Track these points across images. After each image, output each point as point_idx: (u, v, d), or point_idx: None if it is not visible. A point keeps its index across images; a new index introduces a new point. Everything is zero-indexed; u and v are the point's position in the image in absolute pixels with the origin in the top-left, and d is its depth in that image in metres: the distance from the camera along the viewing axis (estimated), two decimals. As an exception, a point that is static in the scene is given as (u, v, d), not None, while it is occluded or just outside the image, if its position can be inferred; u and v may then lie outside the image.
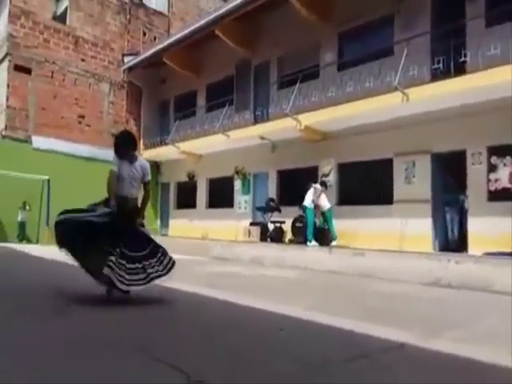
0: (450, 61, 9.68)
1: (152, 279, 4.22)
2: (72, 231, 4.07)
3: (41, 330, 3.10)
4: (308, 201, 10.62)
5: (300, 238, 10.93)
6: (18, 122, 16.26)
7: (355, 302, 4.86)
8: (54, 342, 2.80)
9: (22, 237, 14.47)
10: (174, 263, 4.41)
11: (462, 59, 9.41)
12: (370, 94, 10.35)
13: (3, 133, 15.85)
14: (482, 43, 9.08)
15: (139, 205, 4.55)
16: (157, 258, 4.32)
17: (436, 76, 9.85)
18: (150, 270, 4.21)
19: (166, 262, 4.36)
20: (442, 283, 6.49)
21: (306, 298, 5.04)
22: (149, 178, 4.49)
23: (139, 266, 4.15)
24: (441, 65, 9.81)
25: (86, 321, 3.43)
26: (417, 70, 10.14)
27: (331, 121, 11.29)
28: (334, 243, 10.46)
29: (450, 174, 9.92)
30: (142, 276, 4.16)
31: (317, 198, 10.68)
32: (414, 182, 10.36)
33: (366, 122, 10.79)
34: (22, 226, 14.47)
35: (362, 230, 10.69)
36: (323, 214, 10.72)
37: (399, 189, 10.65)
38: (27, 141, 15.78)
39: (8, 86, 16.40)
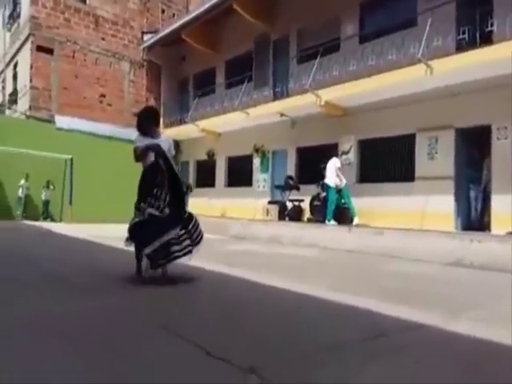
0: (475, 31, 9.28)
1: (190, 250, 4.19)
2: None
3: (70, 307, 3.18)
4: (330, 178, 10.37)
5: (318, 216, 10.80)
6: (42, 102, 16.55)
7: (374, 282, 4.80)
8: (85, 319, 2.89)
9: (47, 215, 14.85)
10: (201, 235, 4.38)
11: (489, 29, 8.99)
12: (393, 67, 10.05)
13: (27, 113, 16.18)
14: (509, 11, 8.63)
15: None
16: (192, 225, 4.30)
17: (461, 47, 9.47)
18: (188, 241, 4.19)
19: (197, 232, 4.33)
20: (463, 263, 6.31)
21: (324, 277, 5.00)
22: (173, 152, 4.45)
23: (184, 232, 4.17)
24: (466, 35, 9.41)
25: (116, 299, 3.51)
26: (441, 41, 9.77)
27: (352, 96, 11.03)
28: (354, 221, 10.27)
29: (474, 149, 9.59)
30: (188, 242, 4.17)
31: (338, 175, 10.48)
32: (437, 158, 10.08)
33: (388, 97, 10.50)
34: (46, 204, 14.83)
35: (383, 208, 10.50)
36: (340, 191, 10.48)
37: (421, 165, 10.40)
38: (50, 120, 16.06)
39: (31, 66, 16.65)
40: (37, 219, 14.40)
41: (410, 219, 9.74)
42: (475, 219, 9.59)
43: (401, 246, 7.36)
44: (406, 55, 10.15)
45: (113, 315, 2.99)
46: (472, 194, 9.30)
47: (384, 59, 10.74)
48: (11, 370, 1.97)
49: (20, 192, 14.43)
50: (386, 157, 11.27)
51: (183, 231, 4.16)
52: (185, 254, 4.12)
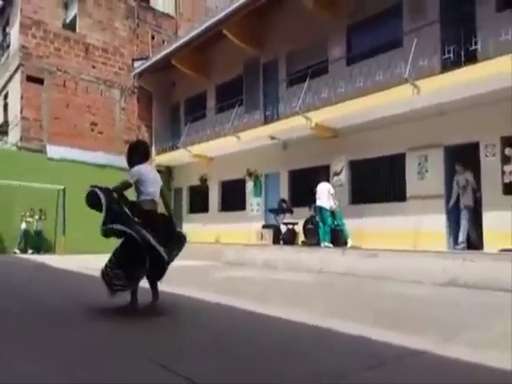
0: (460, 49, 9.42)
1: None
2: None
3: (61, 339, 3.16)
4: (324, 201, 10.34)
5: (312, 239, 10.76)
6: (33, 133, 16.52)
7: (369, 306, 4.78)
8: (72, 350, 2.87)
9: (39, 246, 14.68)
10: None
11: (473, 47, 9.14)
12: (381, 88, 10.16)
13: (18, 144, 16.12)
14: (492, 29, 8.79)
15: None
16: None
17: (446, 66, 9.59)
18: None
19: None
20: (458, 283, 6.33)
21: (319, 302, 4.98)
22: (161, 182, 4.55)
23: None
24: (451, 54, 9.56)
25: (104, 330, 3.48)
26: (427, 61, 9.95)
27: (342, 117, 11.12)
28: (348, 244, 10.28)
29: (463, 167, 9.63)
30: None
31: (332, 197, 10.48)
32: (427, 177, 10.14)
33: (377, 117, 10.59)
34: (38, 235, 14.69)
35: (376, 229, 10.50)
36: (333, 213, 10.47)
37: (412, 185, 10.44)
38: (42, 151, 16.01)
39: (22, 97, 16.66)
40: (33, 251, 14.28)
41: (403, 239, 9.73)
42: (467, 237, 9.53)
43: (394, 268, 7.39)
44: (393, 75, 10.30)
45: (99, 345, 2.96)
46: (463, 211, 9.30)
47: (372, 80, 10.89)
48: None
49: (23, 225, 14.36)
50: (378, 177, 11.31)
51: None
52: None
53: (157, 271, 4.13)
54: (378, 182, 11.25)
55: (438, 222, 9.73)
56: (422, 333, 3.37)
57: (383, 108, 10.17)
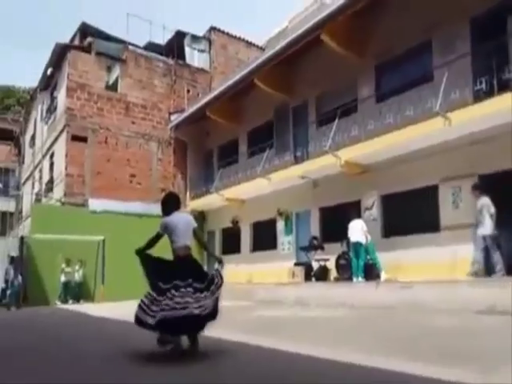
0: (492, 79, 9.28)
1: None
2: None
3: None
4: (358, 236, 10.26)
5: (345, 274, 10.65)
6: (76, 188, 17.35)
7: (407, 340, 4.65)
8: None
9: (80, 296, 14.98)
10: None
11: (506, 76, 8.86)
12: (410, 123, 10.06)
13: (62, 200, 16.92)
14: None
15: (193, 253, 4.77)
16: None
17: (479, 97, 9.37)
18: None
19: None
20: (497, 310, 6.11)
21: (356, 339, 4.91)
22: (195, 225, 4.81)
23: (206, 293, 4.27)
24: (483, 85, 9.43)
25: (147, 376, 3.50)
26: (458, 93, 9.83)
27: (372, 153, 11.08)
28: (382, 277, 10.09)
29: (498, 194, 9.16)
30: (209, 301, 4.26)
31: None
32: (462, 206, 9.85)
33: (408, 151, 10.48)
34: (79, 286, 15.05)
35: (410, 261, 10.16)
36: (365, 247, 10.35)
37: (446, 215, 10.15)
38: (84, 204, 16.71)
39: (66, 155, 17.64)
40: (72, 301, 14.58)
41: (439, 270, 9.32)
42: (506, 264, 8.81)
43: (431, 299, 7.22)
44: (424, 110, 10.17)
45: None
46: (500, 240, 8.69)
47: (401, 115, 10.84)
48: None
49: (63, 277, 14.78)
50: (410, 209, 11.05)
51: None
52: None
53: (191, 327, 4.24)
54: (411, 215, 10.97)
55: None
56: (466, 365, 3.22)
57: (413, 141, 10.05)
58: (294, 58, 14.13)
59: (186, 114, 19.03)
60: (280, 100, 15.29)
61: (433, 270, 9.39)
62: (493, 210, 8.43)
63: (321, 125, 13.92)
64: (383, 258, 10.53)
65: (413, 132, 9.82)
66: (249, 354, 4.34)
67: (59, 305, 14.22)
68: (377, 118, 11.61)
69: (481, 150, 9.35)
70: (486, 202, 8.55)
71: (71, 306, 13.50)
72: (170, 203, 4.86)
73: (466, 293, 6.87)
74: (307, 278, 11.96)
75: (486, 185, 9.44)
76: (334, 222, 12.59)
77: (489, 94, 9.11)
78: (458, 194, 9.96)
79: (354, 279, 10.01)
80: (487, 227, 8.38)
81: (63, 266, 14.77)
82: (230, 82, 16.13)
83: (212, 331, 4.34)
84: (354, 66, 12.63)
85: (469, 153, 9.58)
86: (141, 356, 4.34)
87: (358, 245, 10.25)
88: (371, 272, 10.20)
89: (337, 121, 12.40)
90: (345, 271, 10.69)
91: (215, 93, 17.08)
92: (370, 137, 11.06)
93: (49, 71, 20.25)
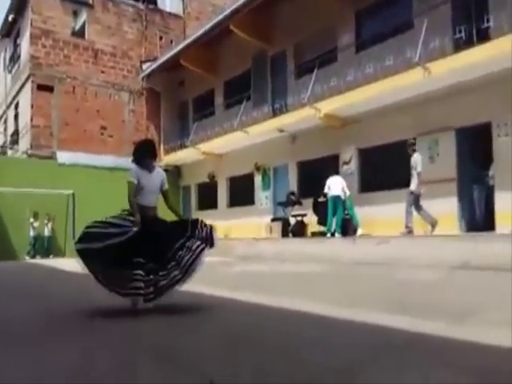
0: (472, 28, 8.98)
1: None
2: (94, 258, 3.99)
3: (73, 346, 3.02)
4: (337, 191, 10.12)
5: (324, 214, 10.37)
6: (43, 140, 16.60)
7: (383, 293, 4.71)
8: (90, 350, 2.84)
9: (49, 251, 14.69)
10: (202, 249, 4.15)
11: (485, 25, 8.62)
12: (390, 73, 9.86)
13: (29, 152, 16.19)
14: (506, 5, 8.37)
15: (158, 213, 4.47)
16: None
17: (458, 46, 9.11)
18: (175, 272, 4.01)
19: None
20: (471, 265, 6.20)
21: (332, 293, 4.92)
22: (166, 186, 4.49)
23: (173, 264, 4.01)
24: (463, 34, 9.12)
25: (116, 332, 3.39)
26: (438, 42, 9.47)
27: (351, 105, 10.88)
28: (358, 232, 10.14)
29: (475, 149, 9.23)
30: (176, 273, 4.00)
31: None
32: (438, 160, 9.80)
33: (387, 103, 10.28)
34: (48, 240, 14.73)
35: (386, 217, 10.13)
36: (343, 202, 10.27)
37: (423, 169, 9.88)
38: (52, 157, 16.03)
39: (32, 105, 16.75)
40: (41, 256, 14.29)
41: (416, 225, 9.18)
42: (479, 219, 9.28)
43: (407, 254, 7.26)
44: (404, 59, 9.96)
45: (116, 346, 2.92)
46: (475, 193, 9.05)
47: (381, 66, 10.55)
48: None
49: (31, 231, 14.36)
50: (387, 164, 10.94)
51: (172, 264, 4.01)
52: (173, 285, 4.00)
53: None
54: (388, 170, 10.88)
55: (449, 205, 9.38)
56: (434, 317, 3.28)
57: (392, 94, 9.84)
58: (272, 4, 13.52)
59: (158, 63, 18.16)
60: (258, 48, 14.69)
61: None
62: (419, 168, 8.59)
63: (300, 75, 13.48)
64: (360, 213, 10.53)
65: (392, 83, 9.62)
66: (226, 308, 4.29)
67: (28, 259, 13.90)
68: (356, 68, 11.24)
69: (459, 103, 9.21)
70: (415, 159, 8.71)
71: (40, 261, 13.21)
72: (144, 151, 4.33)
73: (441, 248, 6.91)
74: (284, 233, 11.93)
75: (463, 138, 9.45)
76: (312, 176, 12.46)
77: (468, 43, 8.89)
78: (435, 148, 9.89)
79: (328, 234, 9.97)
80: (412, 184, 8.65)
81: (31, 220, 14.33)
82: (204, 29, 15.32)
83: (191, 286, 4.22)
84: (334, 13, 12.12)
85: (447, 105, 9.44)
86: (108, 310, 4.18)
87: (337, 199, 10.12)
88: (348, 227, 10.18)
89: (316, 71, 12.07)
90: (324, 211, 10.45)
91: (189, 40, 16.24)
92: (350, 88, 10.79)
93: (10, 17, 18.95)
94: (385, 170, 11.01)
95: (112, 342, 3.04)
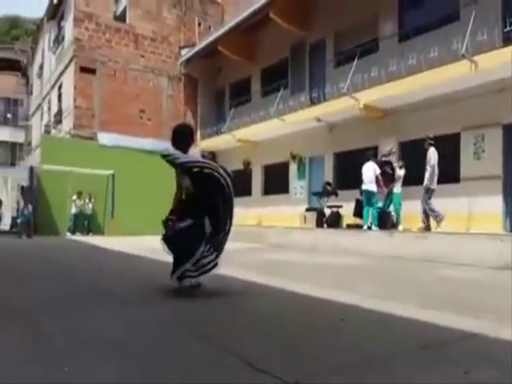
0: None
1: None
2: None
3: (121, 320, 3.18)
4: (368, 183, 9.75)
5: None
6: (85, 121, 17.11)
7: (420, 289, 4.58)
8: (130, 330, 2.90)
9: (89, 229, 15.22)
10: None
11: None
12: (435, 65, 9.59)
13: (72, 131, 16.74)
14: None
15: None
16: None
17: (508, 40, 8.81)
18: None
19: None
20: None
21: (366, 285, 4.81)
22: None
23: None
24: None
25: (156, 311, 3.49)
26: (486, 35, 9.16)
27: (392, 97, 10.66)
28: (400, 227, 9.90)
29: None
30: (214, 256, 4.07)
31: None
32: (484, 157, 9.53)
33: (430, 96, 10.05)
34: (88, 218, 15.25)
35: None
36: (390, 195, 10.13)
37: (467, 165, 9.85)
38: (93, 138, 16.54)
39: (75, 87, 17.24)
40: (81, 233, 14.84)
41: (456, 222, 9.19)
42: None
43: (446, 251, 7.03)
44: (449, 51, 9.69)
45: (154, 327, 2.99)
46: None
47: (425, 57, 10.28)
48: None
49: (73, 209, 14.96)
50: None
51: (209, 245, 4.06)
52: (213, 267, 4.05)
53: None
54: None
55: (494, 203, 9.13)
56: (476, 317, 3.17)
57: (437, 86, 9.62)
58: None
59: (196, 49, 18.31)
60: (297, 36, 14.59)
61: (449, 221, 9.15)
62: (433, 161, 8.56)
63: (339, 65, 13.36)
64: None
65: (436, 76, 9.38)
66: (259, 293, 4.32)
67: (69, 236, 14.47)
68: (399, 58, 11.07)
69: (506, 98, 8.85)
70: (429, 154, 8.67)
71: (80, 238, 13.71)
72: (184, 135, 4.29)
73: (482, 247, 6.68)
74: (319, 224, 11.78)
75: (510, 136, 9.17)
76: (349, 168, 12.29)
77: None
78: (481, 143, 9.62)
79: (365, 227, 9.80)
80: (425, 178, 8.64)
81: (74, 197, 14.87)
82: (243, 15, 15.29)
83: (226, 270, 4.30)
84: (377, 1, 11.93)
85: (494, 100, 9.14)
86: (148, 288, 4.33)
87: (367, 193, 9.85)
88: (386, 221, 9.93)
89: (356, 61, 11.87)
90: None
91: (227, 26, 16.28)
92: (392, 79, 10.61)
93: (55, 0, 19.35)
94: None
95: (153, 319, 3.16)
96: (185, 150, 4.26)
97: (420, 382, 1.94)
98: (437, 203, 8.86)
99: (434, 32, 10.48)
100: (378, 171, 9.81)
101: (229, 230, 4.23)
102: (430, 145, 8.77)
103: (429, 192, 8.66)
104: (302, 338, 2.69)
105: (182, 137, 4.28)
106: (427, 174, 8.65)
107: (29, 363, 2.18)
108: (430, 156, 8.66)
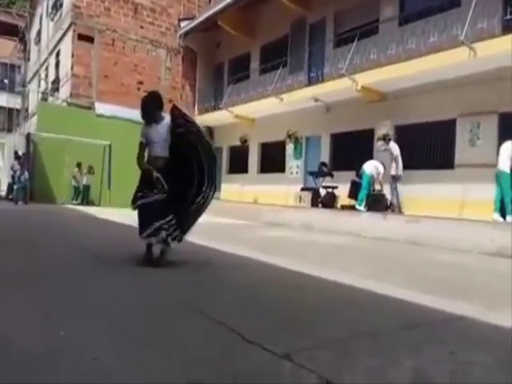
0: None
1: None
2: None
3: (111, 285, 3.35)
4: (373, 170, 10.41)
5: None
6: (82, 90, 16.99)
7: (410, 271, 4.68)
8: (117, 296, 3.04)
9: (87, 200, 15.37)
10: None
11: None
12: (434, 50, 9.69)
13: (69, 100, 16.66)
14: None
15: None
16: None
17: (508, 28, 8.91)
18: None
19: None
20: (505, 253, 5.99)
21: (358, 265, 4.91)
22: (169, 138, 4.42)
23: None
24: None
25: (151, 281, 3.60)
26: (486, 23, 9.25)
27: (390, 80, 10.71)
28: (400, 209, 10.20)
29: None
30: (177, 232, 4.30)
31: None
32: (479, 144, 9.68)
33: (428, 81, 10.14)
34: (86, 189, 15.38)
35: (420, 197, 10.17)
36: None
37: (462, 152, 10.02)
38: (90, 107, 16.49)
39: (72, 54, 17.06)
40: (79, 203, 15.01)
41: (450, 207, 9.43)
42: None
43: (437, 235, 7.14)
44: (449, 37, 9.76)
45: (146, 299, 3.05)
46: None
47: (425, 42, 10.38)
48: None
49: (73, 181, 15.08)
50: (425, 143, 10.91)
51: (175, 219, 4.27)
52: (172, 240, 4.25)
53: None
54: (425, 149, 10.86)
55: (488, 191, 9.12)
56: (465, 300, 3.29)
57: (435, 72, 9.69)
58: (314, -31, 13.26)
59: (196, 22, 18.08)
60: (297, 14, 14.51)
61: (442, 207, 9.42)
62: (395, 153, 10.02)
63: (338, 45, 13.36)
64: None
65: (435, 61, 9.45)
66: (250, 267, 4.44)
67: (74, 203, 14.65)
68: (398, 42, 11.14)
69: (504, 87, 8.96)
70: (390, 148, 10.18)
71: (76, 207, 13.87)
72: (149, 105, 4.38)
73: (474, 233, 6.81)
74: (314, 203, 11.95)
75: (506, 123, 9.27)
76: (345, 149, 12.46)
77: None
78: (476, 131, 9.76)
79: (362, 207, 10.17)
80: (392, 169, 10.00)
81: (75, 170, 15.00)
82: (244, -10, 15.17)
83: (216, 244, 4.51)
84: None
85: (491, 88, 9.24)
86: (133, 257, 4.45)
87: (370, 177, 10.42)
88: (380, 203, 10.19)
89: (355, 42, 11.88)
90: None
91: (228, 0, 16.10)
92: (391, 62, 10.69)
93: (53, -35, 18.96)
94: (421, 148, 10.95)
95: (150, 294, 3.21)
96: (155, 119, 4.37)
97: (405, 361, 2.00)
98: (431, 188, 9.20)
99: (435, 17, 10.49)
100: (381, 169, 10.39)
101: (203, 204, 4.45)
102: (389, 140, 10.19)
103: (395, 179, 9.85)
104: (293, 312, 2.80)
105: (150, 107, 4.38)
106: (393, 164, 9.85)
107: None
108: (392, 149, 10.03)
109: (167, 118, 4.44)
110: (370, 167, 10.39)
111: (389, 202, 10.11)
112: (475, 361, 2.04)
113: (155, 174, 4.22)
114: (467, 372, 1.95)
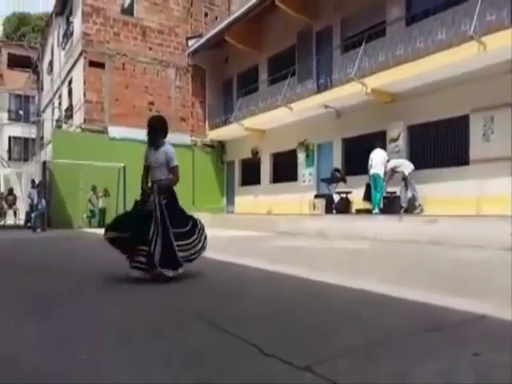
0: None
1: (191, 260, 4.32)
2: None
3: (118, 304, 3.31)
4: (378, 165, 10.14)
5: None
6: (95, 115, 17.26)
7: (430, 272, 4.58)
8: (134, 313, 3.03)
9: (103, 222, 15.42)
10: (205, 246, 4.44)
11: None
12: (442, 48, 9.49)
13: (82, 126, 16.92)
14: None
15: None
16: (196, 235, 4.39)
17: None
18: (192, 250, 4.31)
19: (203, 240, 4.41)
20: None
21: (376, 269, 4.82)
22: (173, 163, 4.43)
23: (187, 241, 4.27)
24: None
25: (159, 296, 3.60)
26: (495, 16, 8.98)
27: (400, 81, 10.61)
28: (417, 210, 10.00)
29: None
30: (191, 252, 4.28)
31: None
32: (493, 138, 9.42)
33: (438, 79, 9.98)
34: (103, 212, 15.46)
35: (436, 195, 9.96)
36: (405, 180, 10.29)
37: (476, 148, 9.75)
38: (104, 131, 16.70)
39: (84, 81, 17.37)
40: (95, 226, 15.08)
41: (466, 205, 9.16)
42: None
43: (456, 234, 7.03)
44: (457, 33, 9.55)
45: (163, 313, 3.03)
46: None
47: (433, 40, 10.18)
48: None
49: (89, 205, 15.19)
50: (438, 141, 10.68)
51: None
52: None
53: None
54: (439, 147, 10.63)
55: (504, 186, 8.94)
56: (486, 299, 3.18)
57: (445, 69, 9.54)
58: (320, -23, 13.24)
59: (203, 39, 18.28)
60: (303, 24, 14.52)
61: (459, 204, 9.20)
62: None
63: (346, 50, 13.26)
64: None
65: (445, 58, 9.29)
66: (268, 279, 4.35)
67: (81, 229, 14.72)
68: (406, 42, 10.95)
69: None
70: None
71: (94, 230, 13.91)
72: (153, 130, 4.39)
73: (492, 229, 6.65)
74: (328, 210, 11.87)
75: None
76: (358, 153, 12.29)
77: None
78: (490, 125, 9.51)
79: (376, 210, 9.96)
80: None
81: (90, 193, 15.12)
82: (249, 5, 15.20)
83: (233, 258, 4.46)
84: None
85: (503, 81, 9.00)
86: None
87: (375, 176, 10.08)
88: (394, 205, 10.02)
89: (363, 45, 11.77)
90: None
91: (234, 16, 16.20)
92: (399, 63, 10.52)
93: (63, -5, 19.50)
94: (435, 147, 10.75)
95: (165, 304, 3.25)
96: (155, 144, 4.40)
97: (429, 364, 1.92)
98: (447, 186, 8.86)
99: (442, 14, 10.31)
100: (387, 158, 9.95)
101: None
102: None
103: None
104: (310, 321, 2.71)
105: (153, 132, 4.41)
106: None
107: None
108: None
109: (167, 146, 4.47)
110: (380, 164, 10.14)
111: (405, 204, 9.84)
112: (500, 361, 1.95)
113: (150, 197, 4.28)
114: (492, 373, 1.85)
